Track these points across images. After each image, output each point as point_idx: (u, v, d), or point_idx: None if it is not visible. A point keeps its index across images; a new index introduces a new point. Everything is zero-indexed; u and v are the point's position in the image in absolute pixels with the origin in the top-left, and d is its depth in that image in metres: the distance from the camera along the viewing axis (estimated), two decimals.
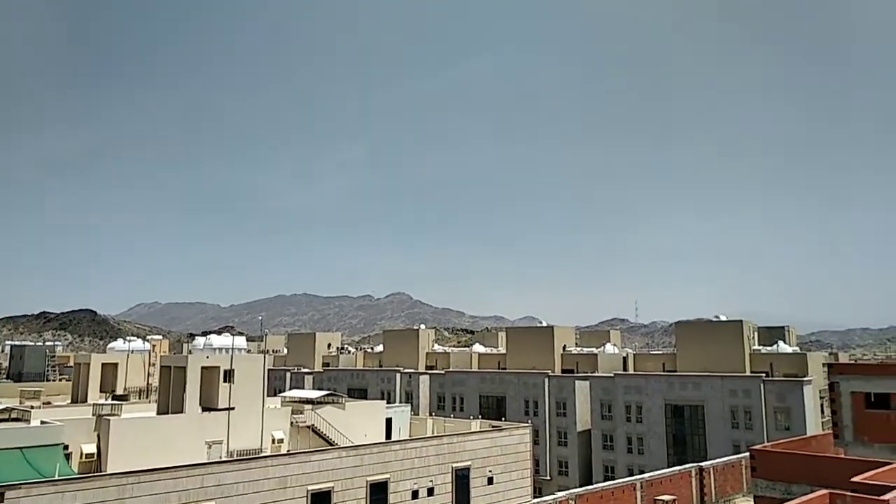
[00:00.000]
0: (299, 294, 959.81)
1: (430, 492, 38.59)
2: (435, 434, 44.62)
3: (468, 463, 40.63)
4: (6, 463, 30.28)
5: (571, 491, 28.81)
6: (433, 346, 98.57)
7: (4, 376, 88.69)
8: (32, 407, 39.55)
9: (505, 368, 79.57)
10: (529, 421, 53.37)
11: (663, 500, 31.21)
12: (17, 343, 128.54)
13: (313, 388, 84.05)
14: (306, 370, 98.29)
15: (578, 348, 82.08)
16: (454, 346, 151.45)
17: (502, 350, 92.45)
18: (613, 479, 55.48)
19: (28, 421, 34.88)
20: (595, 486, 31.80)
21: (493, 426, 46.80)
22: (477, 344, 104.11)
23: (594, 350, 79.19)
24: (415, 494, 37.78)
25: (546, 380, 70.60)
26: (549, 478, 67.13)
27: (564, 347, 78.02)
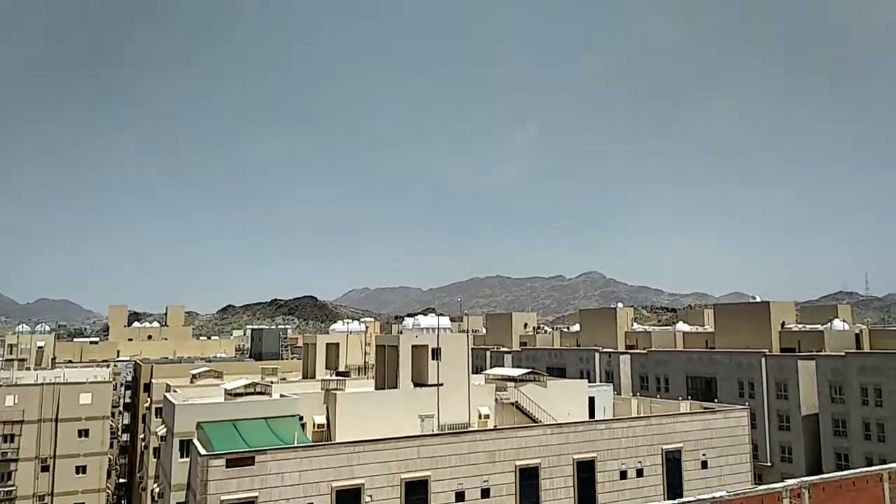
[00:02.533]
0: (492, 276, 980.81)
1: (640, 473, 37.44)
2: (642, 414, 43.17)
3: (679, 445, 38.74)
4: (254, 430, 34.62)
5: (804, 479, 26.15)
6: (632, 325, 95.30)
7: (248, 356, 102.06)
8: (272, 382, 44.77)
9: (713, 348, 74.55)
10: (747, 403, 49.48)
11: None
12: (255, 327, 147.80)
13: (512, 367, 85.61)
14: (505, 349, 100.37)
15: (799, 325, 74.31)
16: (654, 325, 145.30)
17: (709, 328, 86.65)
18: (848, 468, 49.56)
19: (270, 394, 39.54)
20: (831, 475, 28.59)
21: (705, 408, 44.12)
22: (680, 322, 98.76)
23: (818, 327, 71.17)
24: (623, 475, 36.91)
25: (763, 359, 64.87)
26: (769, 464, 61.83)
27: (783, 324, 71.07)
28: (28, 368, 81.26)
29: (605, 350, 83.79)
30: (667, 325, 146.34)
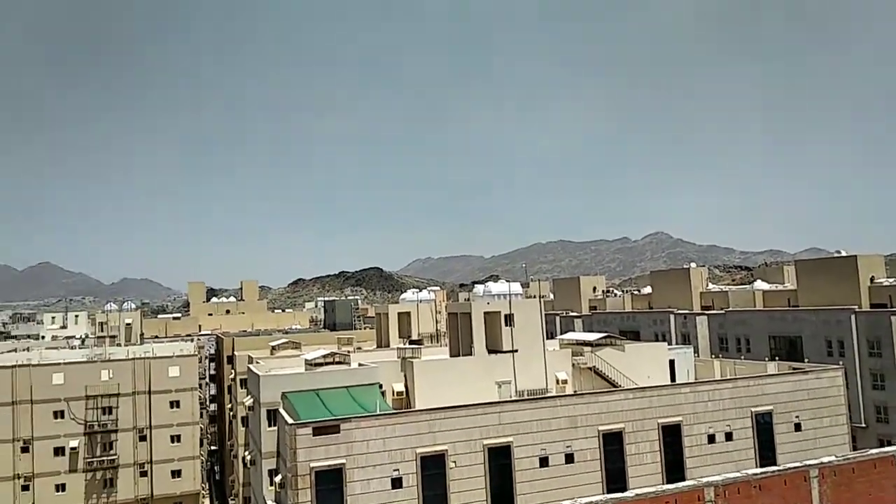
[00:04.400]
0: (554, 241, 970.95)
1: (728, 436, 36.30)
2: (727, 377, 41.79)
3: (769, 407, 37.28)
4: (336, 399, 35.35)
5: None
6: (707, 285, 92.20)
7: (322, 326, 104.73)
8: (349, 352, 45.59)
9: (797, 305, 71.33)
10: (840, 363, 47.17)
11: None
12: (328, 299, 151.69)
13: (583, 331, 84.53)
14: (574, 314, 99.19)
15: (890, 280, 70.05)
16: (729, 285, 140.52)
17: (790, 286, 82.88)
18: None
19: (349, 364, 40.29)
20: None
21: (794, 368, 42.30)
22: (758, 280, 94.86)
23: None
24: (711, 438, 35.88)
25: (853, 316, 61.58)
26: (864, 425, 59.12)
27: (872, 279, 67.13)
28: (118, 344, 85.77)
29: (680, 311, 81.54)
30: (742, 284, 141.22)
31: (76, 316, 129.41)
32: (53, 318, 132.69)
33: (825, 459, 21.13)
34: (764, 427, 37.26)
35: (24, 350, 78.03)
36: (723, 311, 76.85)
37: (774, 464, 36.06)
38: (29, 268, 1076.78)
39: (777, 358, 54.74)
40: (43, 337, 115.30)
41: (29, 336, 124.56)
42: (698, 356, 60.05)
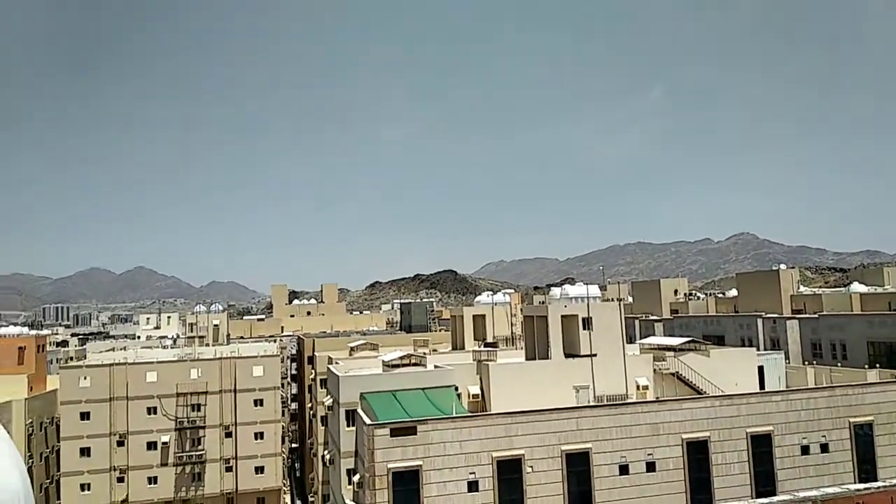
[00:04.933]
0: (633, 243, 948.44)
1: (824, 448, 34.14)
2: (822, 385, 39.39)
3: (870, 418, 34.84)
4: (413, 401, 35.55)
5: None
6: (798, 287, 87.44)
7: (398, 328, 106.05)
8: (425, 354, 45.82)
9: None
10: None
11: None
12: (404, 301, 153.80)
13: (664, 336, 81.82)
14: (654, 317, 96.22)
15: None
16: (822, 287, 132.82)
17: (890, 288, 77.47)
18: None
19: (425, 365, 40.48)
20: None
21: None
22: (855, 283, 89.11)
23: None
24: (805, 450, 33.85)
25: None
26: None
27: None
28: (207, 344, 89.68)
29: (768, 315, 77.62)
30: (836, 286, 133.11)
31: (168, 317, 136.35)
32: (148, 319, 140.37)
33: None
34: (863, 439, 34.85)
35: (121, 349, 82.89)
36: (816, 316, 72.59)
37: (875, 479, 33.69)
38: (126, 272, 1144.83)
39: (878, 365, 51.14)
40: (138, 337, 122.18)
41: (126, 336, 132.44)
42: (789, 363, 56.99)
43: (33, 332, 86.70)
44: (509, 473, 30.23)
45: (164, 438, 60.22)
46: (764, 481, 33.29)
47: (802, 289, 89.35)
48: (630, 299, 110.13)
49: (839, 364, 56.28)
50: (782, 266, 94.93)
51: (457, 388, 37.66)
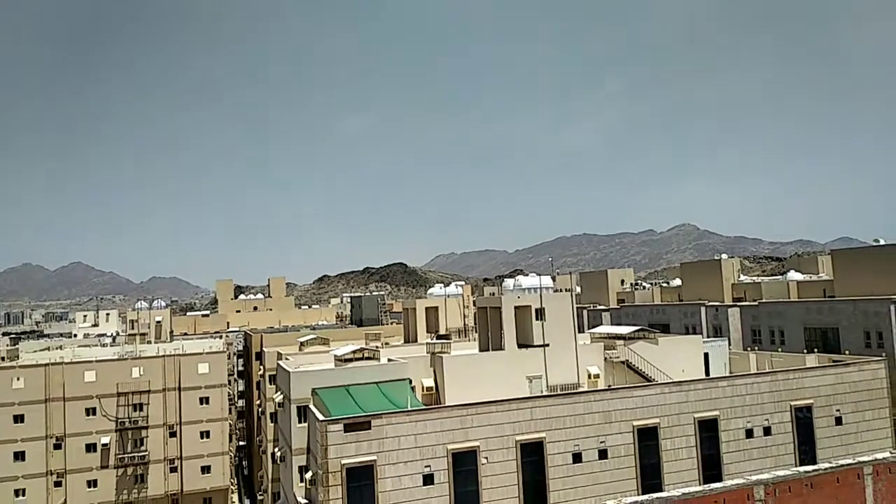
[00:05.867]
0: (579, 234, 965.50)
1: (767, 431, 35.33)
2: (764, 370, 40.69)
3: (809, 401, 36.21)
4: (367, 395, 35.04)
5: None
6: (738, 276, 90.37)
7: (348, 322, 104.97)
8: (378, 347, 45.31)
9: (833, 297, 69.42)
10: (883, 355, 45.60)
11: None
12: (354, 294, 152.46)
13: (611, 325, 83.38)
14: (602, 307, 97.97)
15: None
16: (760, 276, 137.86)
17: (825, 276, 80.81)
18: None
19: (378, 359, 39.96)
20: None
21: (833, 360, 41.07)
22: (792, 271, 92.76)
23: None
24: (749, 433, 34.95)
25: (893, 307, 59.74)
26: None
27: None
28: (149, 342, 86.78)
29: (711, 304, 79.98)
30: (773, 275, 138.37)
31: (107, 314, 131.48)
32: (85, 316, 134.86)
33: (879, 456, 20.21)
34: (804, 422, 36.22)
35: (56, 348, 79.25)
36: (756, 303, 75.19)
37: (814, 460, 35.02)
38: (61, 268, 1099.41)
39: (815, 350, 53.31)
40: (75, 335, 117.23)
41: (61, 334, 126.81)
42: (731, 349, 58.76)
43: None
44: (464, 465, 30.15)
45: (105, 440, 57.95)
46: (711, 465, 34.23)
47: (742, 277, 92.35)
48: (578, 290, 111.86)
49: (779, 349, 58.36)
50: (723, 256, 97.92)
51: (411, 382, 37.29)
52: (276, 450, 43.83)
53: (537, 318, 40.04)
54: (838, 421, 36.78)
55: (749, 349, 64.37)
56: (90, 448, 57.91)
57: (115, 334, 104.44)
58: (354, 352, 40.30)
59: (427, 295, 63.01)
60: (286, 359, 45.33)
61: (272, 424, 58.03)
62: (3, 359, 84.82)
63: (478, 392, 34.28)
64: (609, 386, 38.03)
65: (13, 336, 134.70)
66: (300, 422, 35.56)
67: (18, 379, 56.75)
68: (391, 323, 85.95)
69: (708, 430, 34.23)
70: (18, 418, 56.25)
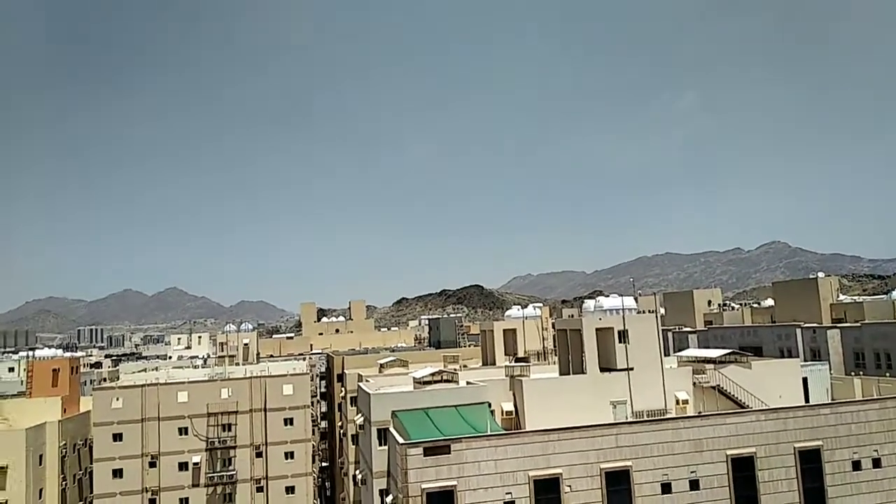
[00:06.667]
0: (661, 254, 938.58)
1: (876, 463, 32.58)
2: (870, 396, 37.71)
3: None
4: (446, 418, 34.75)
5: None
6: (837, 295, 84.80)
7: (426, 344, 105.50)
8: (456, 370, 45.06)
9: None
10: None
11: None
12: (432, 317, 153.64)
13: (699, 347, 79.90)
14: (688, 329, 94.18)
15: None
16: (861, 295, 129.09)
17: None
18: None
19: (457, 382, 39.69)
20: None
21: None
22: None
23: None
24: (856, 465, 32.32)
25: None
26: None
27: None
28: (237, 364, 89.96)
29: (808, 325, 75.33)
30: (875, 294, 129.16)
31: (199, 337, 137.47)
32: (179, 339, 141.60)
33: None
34: None
35: (153, 370, 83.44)
36: (858, 324, 70.23)
37: None
38: (158, 293, 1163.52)
39: None
40: (170, 357, 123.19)
41: (157, 356, 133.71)
42: (832, 374, 55.00)
43: (67, 354, 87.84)
44: (547, 493, 29.25)
45: (196, 459, 60.09)
46: (814, 498, 31.87)
47: (842, 297, 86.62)
48: (662, 311, 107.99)
49: (886, 374, 54.13)
50: (820, 274, 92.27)
51: (490, 405, 36.79)
52: (357, 472, 44.15)
53: (620, 341, 38.77)
54: None
55: (853, 374, 60.05)
56: (182, 466, 60.15)
57: (206, 356, 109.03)
58: (433, 374, 40.23)
59: (504, 317, 62.27)
60: (366, 380, 45.79)
61: (353, 446, 58.62)
62: (104, 379, 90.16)
63: (559, 417, 33.36)
64: (699, 412, 36.22)
65: (114, 358, 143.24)
66: (381, 444, 35.66)
67: (118, 399, 59.82)
68: (469, 345, 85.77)
69: (809, 461, 31.88)
70: (117, 437, 59.16)
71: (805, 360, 65.01)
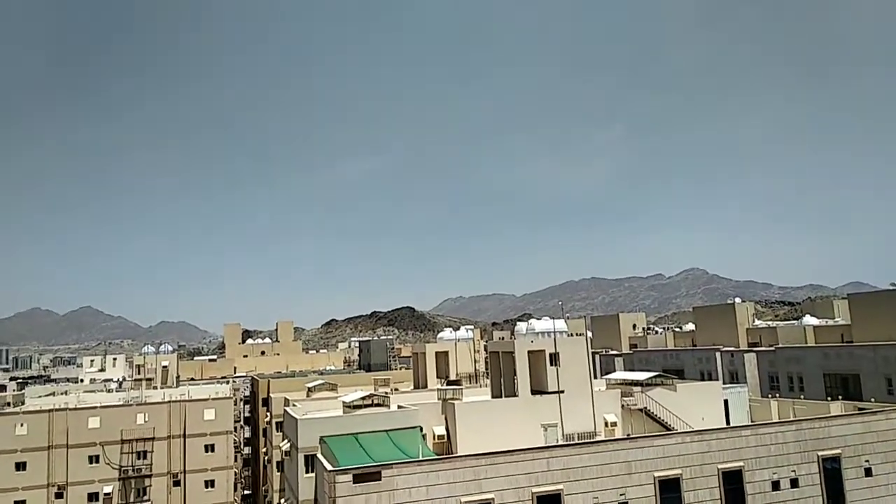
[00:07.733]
0: (587, 278, 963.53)
1: (794, 483, 33.81)
2: (786, 418, 39.32)
3: (837, 451, 34.76)
4: (376, 444, 33.95)
5: None
6: (753, 321, 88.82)
7: (356, 367, 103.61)
8: (387, 393, 44.24)
9: (850, 341, 67.90)
10: None
11: None
12: (362, 339, 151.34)
13: (624, 370, 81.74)
14: (615, 352, 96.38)
15: None
16: (774, 320, 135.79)
17: (841, 321, 79.23)
18: None
19: (388, 406, 38.90)
20: None
21: (859, 408, 39.67)
22: (807, 315, 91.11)
23: None
24: (775, 486, 33.45)
25: None
26: None
27: None
28: (155, 387, 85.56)
29: (726, 349, 78.42)
30: (786, 319, 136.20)
31: (114, 359, 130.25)
32: (92, 361, 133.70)
33: None
34: (832, 473, 34.72)
35: (62, 393, 78.23)
36: (773, 348, 73.64)
37: None
38: (71, 312, 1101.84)
39: (840, 397, 51.71)
40: (81, 380, 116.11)
41: (68, 379, 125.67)
42: (750, 396, 57.19)
43: None
44: None
45: (107, 489, 56.44)
46: None
47: (757, 322, 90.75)
48: (590, 334, 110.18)
49: (799, 396, 56.75)
50: (737, 300, 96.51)
51: (422, 429, 36.22)
52: (283, 500, 42.44)
53: (552, 364, 39.12)
54: (868, 472, 35.22)
55: (769, 396, 62.70)
56: (92, 497, 56.36)
57: (121, 379, 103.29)
58: (363, 398, 39.32)
59: (436, 339, 61.93)
60: (294, 405, 44.30)
61: (279, 473, 56.41)
62: (8, 404, 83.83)
63: (491, 440, 33.17)
64: (627, 434, 36.81)
65: (20, 381, 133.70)
66: (307, 471, 34.43)
67: (22, 425, 55.71)
68: (400, 368, 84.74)
69: (732, 482, 32.79)
70: (21, 465, 54.98)
71: (724, 383, 67.42)
